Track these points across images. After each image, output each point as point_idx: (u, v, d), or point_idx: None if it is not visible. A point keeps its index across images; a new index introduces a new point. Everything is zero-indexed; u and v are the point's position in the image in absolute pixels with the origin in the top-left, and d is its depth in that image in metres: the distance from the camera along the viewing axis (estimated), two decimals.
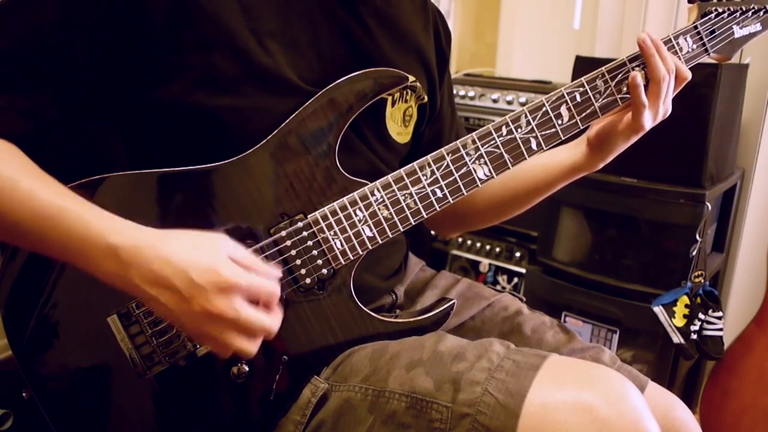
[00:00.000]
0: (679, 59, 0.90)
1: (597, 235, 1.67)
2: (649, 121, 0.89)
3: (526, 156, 0.87)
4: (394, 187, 0.83)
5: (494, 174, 0.86)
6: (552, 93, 0.87)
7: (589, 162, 0.97)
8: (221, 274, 0.65)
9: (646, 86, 0.88)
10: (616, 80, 0.88)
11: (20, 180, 0.68)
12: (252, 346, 0.68)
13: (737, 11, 0.93)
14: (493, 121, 0.86)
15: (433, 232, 2.05)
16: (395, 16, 0.92)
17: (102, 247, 0.66)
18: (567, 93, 0.88)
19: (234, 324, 0.66)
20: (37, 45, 0.73)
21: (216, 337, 0.67)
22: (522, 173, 0.85)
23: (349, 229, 0.82)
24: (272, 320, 0.69)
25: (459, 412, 0.70)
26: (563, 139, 0.89)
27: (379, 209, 0.83)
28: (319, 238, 0.81)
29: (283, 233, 0.80)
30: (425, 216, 0.84)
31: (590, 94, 0.88)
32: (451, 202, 0.85)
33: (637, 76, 0.87)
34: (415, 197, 0.84)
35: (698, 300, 1.50)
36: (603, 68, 0.88)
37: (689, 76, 0.89)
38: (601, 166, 0.97)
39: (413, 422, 0.73)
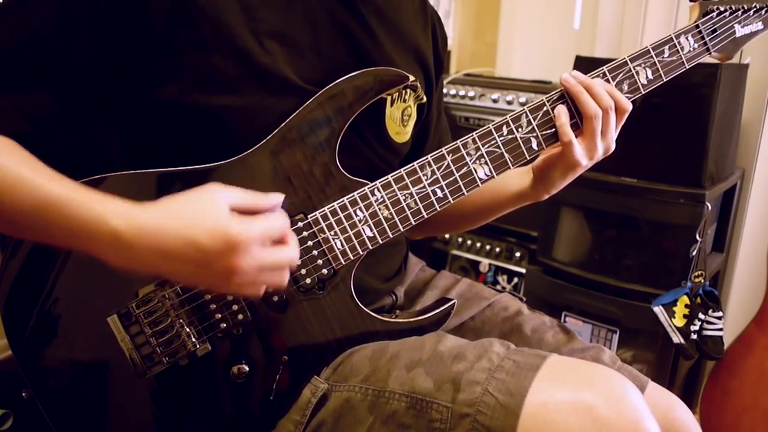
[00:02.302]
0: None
1: (597, 235, 1.67)
2: (583, 158, 0.87)
3: (527, 156, 0.87)
4: (395, 187, 0.83)
5: (495, 174, 0.86)
6: (552, 92, 0.87)
7: (533, 192, 0.97)
8: (230, 233, 0.65)
9: (579, 122, 0.86)
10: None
11: (22, 171, 0.67)
12: (283, 279, 0.71)
13: (739, 10, 0.93)
14: (493, 121, 0.86)
15: None
16: (395, 17, 0.92)
17: (106, 232, 0.65)
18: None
19: (258, 270, 0.67)
20: (36, 45, 0.72)
21: (247, 286, 0.69)
22: (473, 194, 0.86)
23: (349, 229, 0.82)
24: (291, 251, 0.71)
25: (459, 412, 0.70)
26: None
27: (379, 209, 0.83)
28: (319, 238, 0.81)
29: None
30: (425, 216, 0.84)
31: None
32: (452, 201, 0.85)
33: (561, 111, 0.86)
34: (416, 197, 0.84)
35: (698, 300, 1.50)
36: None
37: (629, 107, 0.87)
38: (546, 197, 0.96)
39: (413, 422, 0.72)
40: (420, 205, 0.84)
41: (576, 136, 0.86)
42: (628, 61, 0.88)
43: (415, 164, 0.84)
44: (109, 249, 0.66)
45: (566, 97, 0.87)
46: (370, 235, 0.82)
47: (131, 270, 0.68)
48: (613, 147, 0.89)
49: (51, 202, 0.66)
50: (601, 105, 0.85)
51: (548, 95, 0.87)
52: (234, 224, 0.66)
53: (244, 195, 0.70)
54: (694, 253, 1.48)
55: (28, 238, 0.75)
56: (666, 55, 0.90)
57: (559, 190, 0.95)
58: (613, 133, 0.88)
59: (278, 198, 0.72)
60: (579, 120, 0.87)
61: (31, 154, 0.71)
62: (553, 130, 0.87)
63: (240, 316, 0.79)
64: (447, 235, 2.11)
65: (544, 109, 0.87)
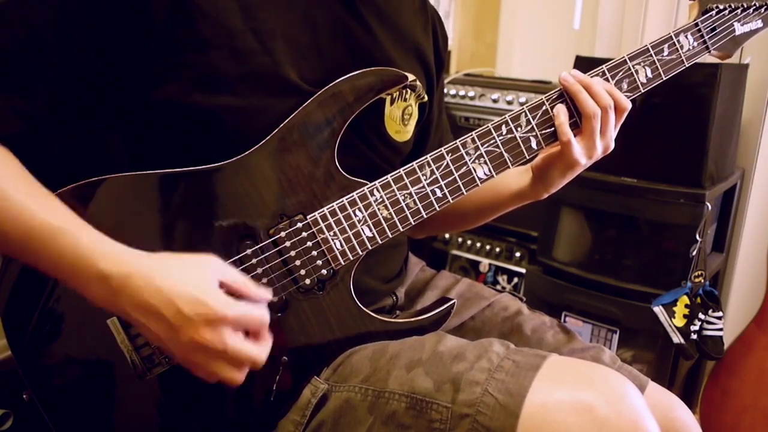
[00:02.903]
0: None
1: (597, 235, 1.67)
2: (582, 157, 0.87)
3: (526, 155, 0.87)
4: (394, 187, 0.83)
5: (494, 173, 0.86)
6: (551, 92, 0.87)
7: (532, 190, 0.97)
8: (209, 306, 0.65)
9: (579, 121, 0.86)
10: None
11: (14, 195, 0.67)
12: (239, 376, 0.69)
13: (738, 8, 0.93)
14: (493, 120, 0.86)
15: None
16: (395, 16, 0.92)
17: (93, 273, 0.66)
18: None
19: (221, 355, 0.66)
20: (35, 45, 0.72)
21: (203, 366, 0.68)
22: (473, 193, 0.86)
23: (348, 230, 0.82)
24: (260, 350, 0.69)
25: (459, 412, 0.70)
26: None
27: (378, 209, 0.83)
28: (318, 238, 0.81)
29: (283, 234, 0.80)
30: (425, 216, 0.84)
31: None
32: (451, 201, 0.85)
33: (560, 110, 0.86)
34: (415, 197, 0.84)
35: (698, 300, 1.50)
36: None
37: (628, 106, 0.87)
38: (545, 196, 0.96)
39: (413, 422, 0.72)
40: (419, 205, 0.84)
41: (575, 135, 0.86)
42: (627, 60, 0.88)
43: (414, 164, 0.84)
44: (94, 289, 0.67)
45: (565, 96, 0.87)
46: (370, 235, 0.82)
47: (107, 310, 0.69)
48: (612, 146, 0.89)
49: (42, 233, 0.67)
50: (600, 104, 0.85)
51: (547, 94, 0.87)
52: (215, 298, 0.66)
53: (237, 275, 0.70)
54: (694, 253, 1.48)
55: (19, 260, 0.75)
56: (665, 53, 0.90)
57: (559, 189, 0.95)
58: (613, 132, 0.88)
59: (268, 294, 0.72)
60: (578, 119, 0.87)
61: (24, 169, 0.71)
62: (552, 129, 0.87)
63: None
64: (447, 235, 2.11)
65: (543, 108, 0.87)
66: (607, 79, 0.87)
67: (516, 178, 0.99)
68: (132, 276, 0.66)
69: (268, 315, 0.70)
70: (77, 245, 0.66)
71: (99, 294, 0.67)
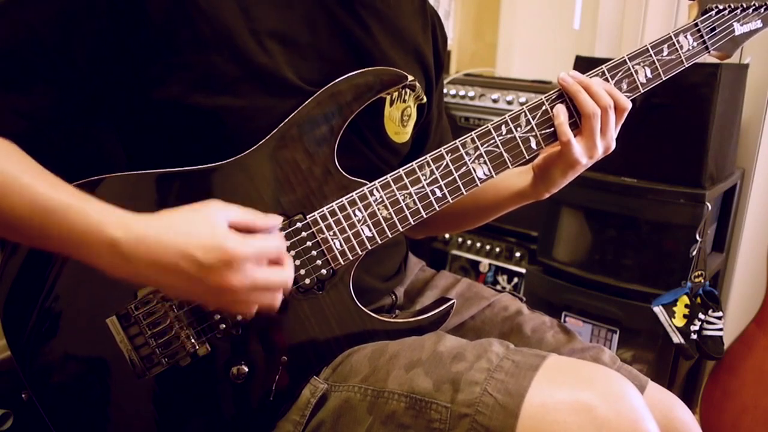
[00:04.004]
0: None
1: (597, 235, 1.67)
2: (583, 157, 0.87)
3: (526, 155, 0.87)
4: (393, 187, 0.83)
5: (494, 173, 0.86)
6: (551, 92, 0.87)
7: (533, 190, 0.97)
8: (226, 249, 0.65)
9: (578, 121, 0.86)
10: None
11: (19, 175, 0.67)
12: (275, 301, 0.71)
13: (738, 8, 0.93)
14: (493, 121, 0.86)
15: None
16: (394, 17, 0.92)
17: (103, 241, 0.66)
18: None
19: (251, 289, 0.68)
20: (35, 44, 0.72)
21: (238, 304, 0.69)
22: (475, 193, 0.86)
23: (348, 230, 0.82)
24: (286, 273, 0.71)
25: (458, 412, 0.70)
26: None
27: (378, 209, 0.83)
28: (318, 238, 0.81)
29: (282, 233, 0.80)
30: (424, 216, 0.84)
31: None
32: (451, 201, 0.85)
33: (560, 110, 0.86)
34: (415, 197, 0.84)
35: (698, 300, 1.50)
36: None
37: (628, 106, 0.87)
38: (546, 196, 0.96)
39: (412, 422, 0.72)
40: (419, 205, 0.84)
41: (575, 135, 0.86)
42: (627, 60, 0.88)
43: (414, 164, 0.84)
44: (106, 257, 0.66)
45: (565, 97, 0.87)
46: (369, 235, 0.82)
47: (125, 279, 0.68)
48: (613, 145, 0.89)
49: (49, 208, 0.66)
50: (600, 104, 0.85)
51: (547, 94, 0.87)
52: (230, 240, 0.66)
53: (243, 213, 0.70)
54: (694, 253, 1.48)
55: (25, 242, 0.75)
56: (665, 53, 0.90)
57: (560, 188, 0.95)
58: (613, 132, 0.88)
59: (277, 220, 0.73)
60: (578, 119, 0.87)
61: (29, 156, 0.71)
62: (552, 129, 0.87)
63: (239, 317, 0.79)
64: (447, 235, 2.11)
65: (543, 108, 0.87)
66: (606, 79, 0.87)
67: (517, 178, 0.99)
68: (141, 239, 0.66)
69: (283, 240, 0.72)
70: (86, 216, 0.66)
71: (112, 262, 0.67)
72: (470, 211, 1.06)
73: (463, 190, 0.85)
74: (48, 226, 0.67)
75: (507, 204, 1.02)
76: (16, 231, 0.70)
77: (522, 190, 0.98)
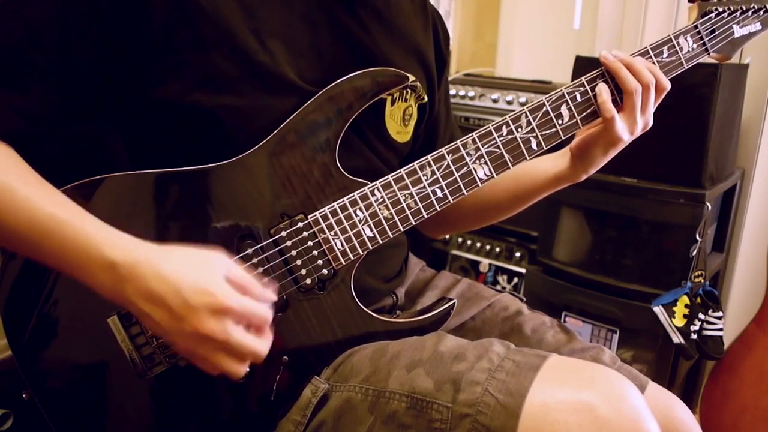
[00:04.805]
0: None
1: (597, 235, 1.67)
2: (625, 133, 0.88)
3: (527, 156, 0.87)
4: (395, 187, 0.83)
5: (494, 174, 0.86)
6: (552, 92, 0.87)
7: (572, 172, 0.97)
8: (215, 295, 0.65)
9: (620, 98, 0.88)
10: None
11: (19, 188, 0.67)
12: (240, 369, 0.69)
13: (737, 11, 0.93)
14: (493, 121, 0.86)
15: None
16: (395, 17, 0.92)
17: (99, 260, 0.66)
18: (567, 93, 0.88)
19: (223, 346, 0.66)
20: (34, 43, 0.72)
21: (205, 358, 0.68)
22: (508, 181, 0.86)
23: (349, 230, 0.82)
24: (262, 344, 0.69)
25: (459, 412, 0.70)
26: (563, 138, 0.89)
27: (379, 209, 0.83)
28: (319, 238, 0.81)
29: (284, 233, 0.80)
30: (426, 216, 0.84)
31: (590, 93, 0.88)
32: (452, 202, 0.85)
33: (603, 88, 0.87)
34: (416, 197, 0.84)
35: (698, 300, 1.50)
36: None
37: (668, 86, 0.89)
38: (584, 177, 0.97)
39: (413, 422, 0.72)
40: (420, 205, 0.84)
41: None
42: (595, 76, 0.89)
43: (415, 164, 0.84)
44: (99, 276, 0.67)
45: (606, 76, 0.88)
46: (370, 235, 0.83)
47: (109, 299, 0.68)
48: (651, 123, 0.91)
49: (46, 224, 0.67)
50: (642, 81, 0.86)
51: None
52: (222, 288, 0.66)
53: (243, 273, 0.70)
54: (694, 253, 1.48)
55: (23, 255, 0.75)
56: (665, 55, 0.90)
57: (598, 169, 0.95)
58: (652, 109, 0.90)
59: (272, 295, 0.72)
60: (617, 97, 0.88)
61: (26, 164, 0.71)
62: (554, 130, 0.87)
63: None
64: (447, 235, 2.11)
65: (544, 109, 0.87)
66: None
67: (553, 162, 0.99)
68: (138, 264, 0.66)
69: (271, 313, 0.70)
70: (84, 235, 0.67)
71: (105, 283, 0.67)
72: (503, 201, 1.05)
73: (464, 191, 0.85)
74: (45, 242, 0.67)
75: (542, 190, 1.01)
76: (14, 244, 0.71)
77: (559, 173, 0.98)
